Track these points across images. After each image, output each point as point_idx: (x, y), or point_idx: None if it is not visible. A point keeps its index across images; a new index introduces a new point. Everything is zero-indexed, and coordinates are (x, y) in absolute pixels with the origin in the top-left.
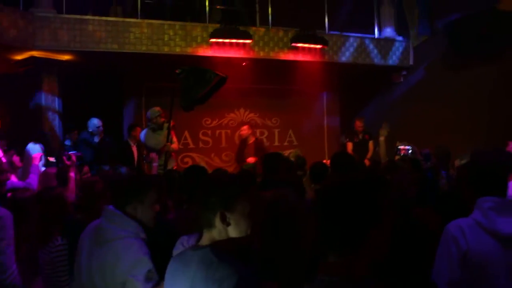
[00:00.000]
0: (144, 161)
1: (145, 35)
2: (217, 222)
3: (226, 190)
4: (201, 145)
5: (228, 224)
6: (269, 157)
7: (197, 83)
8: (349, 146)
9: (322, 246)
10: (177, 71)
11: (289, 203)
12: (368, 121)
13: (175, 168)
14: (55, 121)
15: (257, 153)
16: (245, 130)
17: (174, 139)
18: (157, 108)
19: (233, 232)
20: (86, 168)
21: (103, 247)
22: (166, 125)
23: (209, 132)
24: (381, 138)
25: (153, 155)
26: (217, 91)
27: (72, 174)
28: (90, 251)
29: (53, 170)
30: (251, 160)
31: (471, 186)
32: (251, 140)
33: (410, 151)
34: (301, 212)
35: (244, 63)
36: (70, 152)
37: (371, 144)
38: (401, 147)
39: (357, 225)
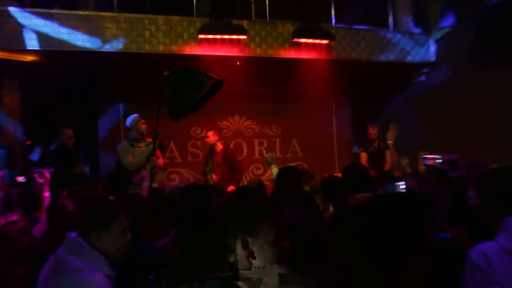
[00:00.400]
0: (133, 183)
1: (122, 32)
2: (239, 248)
3: (250, 213)
4: (190, 158)
5: (250, 251)
6: (284, 170)
7: (188, 88)
8: (363, 156)
9: (353, 272)
10: (165, 73)
11: (314, 226)
12: (384, 127)
13: (160, 186)
14: (17, 133)
15: (225, 163)
16: (210, 136)
17: (158, 154)
18: (136, 115)
19: (257, 259)
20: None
21: (57, 278)
22: (149, 141)
23: (199, 143)
24: (389, 142)
25: (144, 173)
26: (212, 96)
27: (46, 194)
28: (45, 282)
29: (16, 190)
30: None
31: (494, 203)
32: (219, 147)
33: (439, 161)
34: (325, 236)
35: (238, 63)
36: (42, 169)
37: (388, 154)
38: (429, 156)
39: (396, 251)
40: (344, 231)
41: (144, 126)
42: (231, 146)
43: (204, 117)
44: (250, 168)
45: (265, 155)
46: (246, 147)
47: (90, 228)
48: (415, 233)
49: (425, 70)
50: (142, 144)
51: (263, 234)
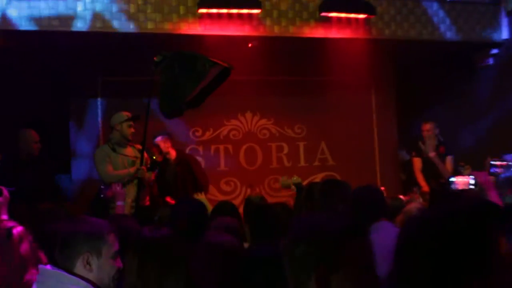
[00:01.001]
0: (102, 198)
1: (100, 5)
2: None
3: (328, 239)
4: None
5: None
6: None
7: (185, 77)
8: (417, 163)
9: None
10: (155, 59)
11: None
12: (440, 126)
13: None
14: None
15: (184, 176)
16: (160, 143)
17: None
18: (124, 112)
19: None
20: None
21: None
22: (137, 147)
23: (200, 148)
24: (431, 155)
25: (117, 188)
26: (216, 88)
27: (4, 217)
28: None
29: None
30: (169, 199)
31: None
32: (172, 155)
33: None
34: None
35: (250, 44)
36: None
37: (449, 160)
38: (498, 163)
39: (457, 275)
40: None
41: (130, 129)
42: (241, 151)
43: (206, 115)
44: (266, 181)
45: (286, 164)
46: (261, 154)
47: (69, 257)
48: (481, 254)
49: (494, 51)
50: (130, 151)
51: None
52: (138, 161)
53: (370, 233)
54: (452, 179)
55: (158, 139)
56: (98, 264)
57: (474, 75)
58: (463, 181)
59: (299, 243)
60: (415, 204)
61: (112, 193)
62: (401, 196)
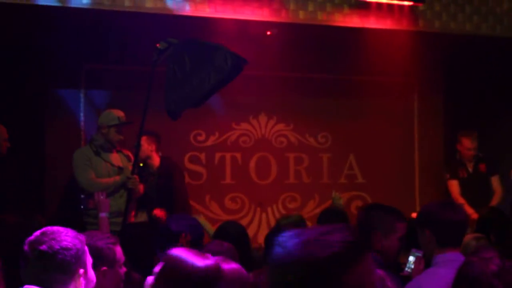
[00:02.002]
0: (83, 210)
1: None
2: None
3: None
4: (187, 179)
5: None
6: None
7: (201, 72)
8: (454, 187)
9: None
10: (158, 46)
11: None
12: (495, 141)
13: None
14: None
15: (165, 184)
16: (143, 144)
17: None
18: (118, 113)
19: None
20: None
21: None
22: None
23: (202, 156)
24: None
25: (101, 197)
26: (225, 85)
27: None
28: None
29: None
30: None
31: None
32: (155, 162)
33: None
34: None
35: (269, 32)
36: None
37: (495, 182)
38: None
39: None
40: None
41: (118, 136)
42: (252, 162)
43: (211, 116)
44: (281, 200)
45: (306, 179)
46: (276, 166)
47: (67, 275)
48: None
49: None
50: (115, 158)
51: None
52: (125, 170)
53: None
54: None
55: (143, 139)
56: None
57: None
58: None
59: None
60: (470, 235)
61: (95, 203)
62: None
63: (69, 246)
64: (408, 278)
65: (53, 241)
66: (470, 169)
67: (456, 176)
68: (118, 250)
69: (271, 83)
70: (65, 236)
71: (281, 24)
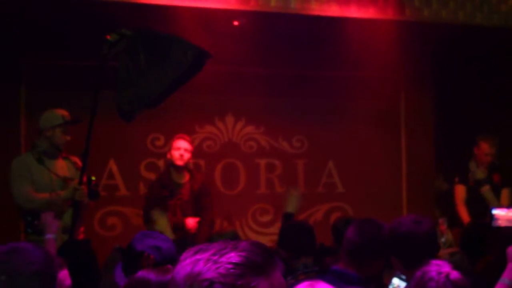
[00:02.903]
0: (28, 232)
1: None
2: None
3: None
4: (143, 189)
5: None
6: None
7: (157, 66)
8: (460, 192)
9: None
10: (109, 38)
11: None
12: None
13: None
14: None
15: (196, 200)
16: (188, 147)
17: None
18: (60, 112)
19: None
20: None
21: None
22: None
23: (161, 163)
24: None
25: (48, 218)
26: (185, 82)
27: None
28: None
29: None
30: (190, 222)
31: None
32: (190, 177)
33: None
34: None
35: (236, 22)
36: None
37: (505, 193)
38: None
39: None
40: None
41: (65, 137)
42: (218, 169)
43: (170, 118)
44: (251, 211)
45: (279, 188)
46: (245, 173)
47: None
48: None
49: None
50: (61, 166)
51: None
52: (72, 181)
53: None
54: (495, 211)
55: (187, 140)
56: None
57: None
58: (508, 215)
59: None
60: (446, 251)
61: (41, 224)
62: None
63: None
64: None
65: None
66: (485, 177)
67: (465, 182)
68: (63, 274)
69: (239, 80)
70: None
71: (250, 13)
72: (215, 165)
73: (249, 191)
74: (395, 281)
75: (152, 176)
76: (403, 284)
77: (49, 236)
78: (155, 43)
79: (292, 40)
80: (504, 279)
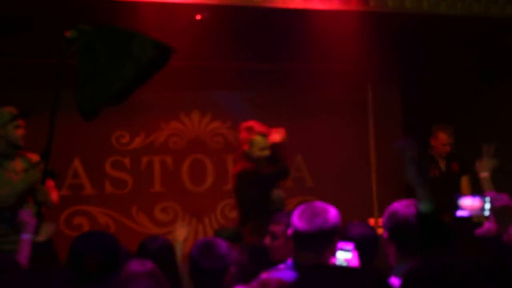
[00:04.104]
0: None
1: None
2: None
3: None
4: (109, 188)
5: None
6: None
7: (116, 63)
8: None
9: None
10: (68, 35)
11: None
12: (462, 137)
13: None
14: None
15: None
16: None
17: (50, 183)
18: (7, 109)
19: None
20: None
21: None
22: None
23: (127, 160)
24: (483, 175)
25: (26, 216)
26: (149, 78)
27: None
28: None
29: None
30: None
31: None
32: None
33: None
34: None
35: (199, 16)
36: None
37: (465, 181)
38: None
39: None
40: None
41: (19, 131)
42: (185, 165)
43: (135, 115)
44: (219, 208)
45: None
46: (212, 169)
47: None
48: None
49: None
50: (18, 164)
51: None
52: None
53: None
54: (462, 201)
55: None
56: None
57: (510, 65)
58: (473, 205)
59: None
60: None
61: (18, 223)
62: None
63: None
64: None
65: None
66: (443, 168)
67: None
68: None
69: (204, 75)
70: None
71: (213, 7)
72: (182, 162)
73: (217, 187)
74: (340, 255)
75: (118, 174)
76: (349, 254)
77: (26, 236)
78: (115, 39)
79: (256, 33)
80: None
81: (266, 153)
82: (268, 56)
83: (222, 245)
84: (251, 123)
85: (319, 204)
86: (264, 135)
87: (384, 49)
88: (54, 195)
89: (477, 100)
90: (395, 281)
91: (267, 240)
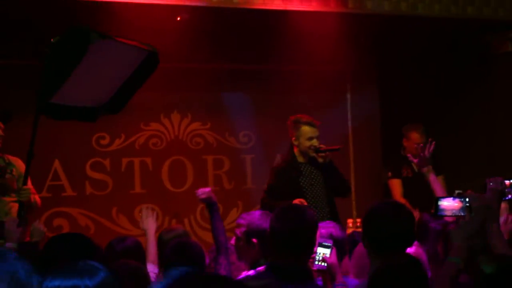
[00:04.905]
0: None
1: None
2: None
3: None
4: (89, 189)
5: None
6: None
7: (102, 66)
8: (396, 186)
9: None
10: (52, 40)
11: None
12: (438, 137)
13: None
14: None
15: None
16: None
17: (30, 183)
18: None
19: None
20: None
21: None
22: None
23: (107, 162)
24: (424, 170)
25: (11, 224)
26: (143, 83)
27: None
28: None
29: None
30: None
31: None
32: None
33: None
34: None
35: (178, 18)
36: None
37: (439, 181)
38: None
39: None
40: None
41: None
42: (165, 167)
43: (115, 116)
44: (199, 208)
45: (227, 185)
46: (192, 170)
47: None
48: None
49: None
50: None
51: None
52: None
53: None
54: (440, 202)
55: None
56: None
57: (489, 66)
58: (453, 205)
59: None
60: None
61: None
62: None
63: None
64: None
65: None
66: (416, 168)
67: (398, 175)
68: None
69: (184, 76)
70: None
71: (193, 8)
72: (162, 163)
73: (197, 188)
74: (320, 250)
75: (98, 175)
76: (328, 250)
77: (9, 245)
78: (101, 44)
79: (236, 35)
80: (451, 258)
81: (314, 143)
82: (248, 58)
83: (196, 246)
84: (298, 115)
85: (297, 205)
86: (312, 125)
87: (363, 49)
88: (37, 198)
89: (455, 100)
90: (352, 281)
91: (233, 241)
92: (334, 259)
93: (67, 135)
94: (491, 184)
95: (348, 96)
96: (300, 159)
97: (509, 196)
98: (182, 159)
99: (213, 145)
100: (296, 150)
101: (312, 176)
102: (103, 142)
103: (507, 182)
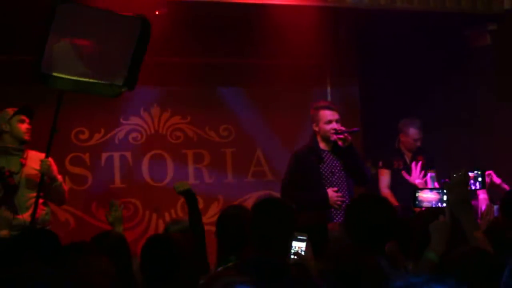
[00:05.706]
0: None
1: None
2: None
3: None
4: (69, 184)
5: None
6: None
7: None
8: (384, 176)
9: None
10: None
11: None
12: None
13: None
14: None
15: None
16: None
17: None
18: (8, 110)
19: None
20: None
21: None
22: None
23: (86, 157)
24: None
25: None
26: (144, 55)
27: None
28: None
29: None
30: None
31: None
32: None
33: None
34: None
35: (157, 12)
36: None
37: (429, 177)
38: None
39: None
40: None
41: (24, 126)
42: (145, 161)
43: (94, 110)
44: (180, 203)
45: (207, 179)
46: (172, 164)
47: None
48: None
49: (493, 27)
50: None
51: None
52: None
53: None
54: (419, 193)
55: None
56: None
57: (466, 59)
58: (431, 197)
59: None
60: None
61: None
62: None
63: None
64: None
65: None
66: (408, 160)
67: (389, 166)
68: None
69: (164, 70)
70: None
71: (172, 2)
72: (142, 157)
73: (177, 182)
74: (295, 243)
75: (78, 170)
76: (303, 244)
77: None
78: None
79: (215, 28)
80: (427, 253)
81: (333, 125)
82: (227, 51)
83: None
84: (317, 102)
85: (276, 198)
86: (330, 108)
87: (343, 43)
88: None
89: (435, 93)
90: None
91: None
92: (310, 253)
93: (45, 129)
94: (454, 175)
95: (328, 90)
96: (322, 145)
97: (472, 187)
98: (162, 153)
99: (193, 139)
100: (318, 137)
101: (334, 164)
102: (82, 136)
103: (470, 174)
